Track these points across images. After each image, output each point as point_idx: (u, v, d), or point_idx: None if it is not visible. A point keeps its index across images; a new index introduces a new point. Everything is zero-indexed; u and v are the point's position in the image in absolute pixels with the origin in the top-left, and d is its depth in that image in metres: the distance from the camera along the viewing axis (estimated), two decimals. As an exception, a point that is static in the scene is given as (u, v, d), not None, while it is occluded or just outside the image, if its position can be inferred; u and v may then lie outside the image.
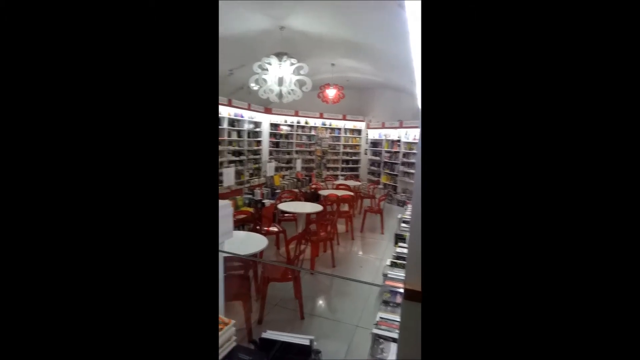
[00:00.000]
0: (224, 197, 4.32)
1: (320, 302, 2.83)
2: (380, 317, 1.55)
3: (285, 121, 8.44)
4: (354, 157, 9.20)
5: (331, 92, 6.50)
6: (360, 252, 4.17)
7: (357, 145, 9.19)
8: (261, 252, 2.46)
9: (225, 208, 1.30)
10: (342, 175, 8.59)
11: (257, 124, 7.83)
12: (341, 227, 4.52)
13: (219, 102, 6.35)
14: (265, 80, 4.50)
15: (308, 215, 3.90)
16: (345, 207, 4.87)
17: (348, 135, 9.13)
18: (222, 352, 1.14)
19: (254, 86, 4.62)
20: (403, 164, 7.13)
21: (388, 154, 7.77)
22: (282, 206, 3.95)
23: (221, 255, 1.30)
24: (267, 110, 7.99)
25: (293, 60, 4.41)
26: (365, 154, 9.00)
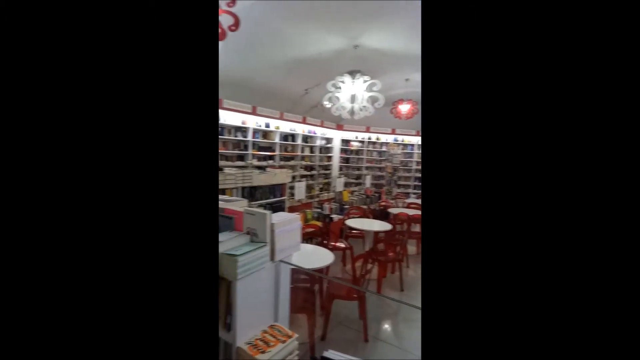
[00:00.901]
0: (295, 209, 4.49)
1: (386, 326, 2.68)
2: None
3: (357, 137, 8.49)
4: (427, 175, 8.71)
5: (404, 108, 6.34)
6: (432, 278, 3.86)
7: (432, 162, 8.69)
8: (327, 268, 2.46)
9: (295, 221, 1.33)
10: (414, 193, 8.18)
11: (328, 140, 8.04)
12: (412, 248, 4.27)
13: (295, 119, 6.73)
14: (338, 98, 4.62)
15: (376, 233, 3.79)
16: (416, 228, 4.60)
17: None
18: (285, 365, 1.15)
19: (327, 104, 4.78)
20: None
21: (466, 173, 7.14)
22: (350, 222, 3.92)
23: (288, 267, 1.33)
24: (339, 127, 8.16)
25: (366, 78, 4.44)
26: (440, 171, 8.45)
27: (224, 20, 2.86)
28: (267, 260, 1.18)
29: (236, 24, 2.83)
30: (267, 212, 1.21)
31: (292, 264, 1.34)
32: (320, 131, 7.68)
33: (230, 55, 4.36)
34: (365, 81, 4.45)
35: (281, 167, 6.06)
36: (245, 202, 1.61)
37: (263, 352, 1.07)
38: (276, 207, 3.84)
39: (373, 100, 4.55)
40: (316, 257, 2.48)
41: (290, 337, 1.18)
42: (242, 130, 5.75)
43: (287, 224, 1.27)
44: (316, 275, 2.40)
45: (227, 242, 1.12)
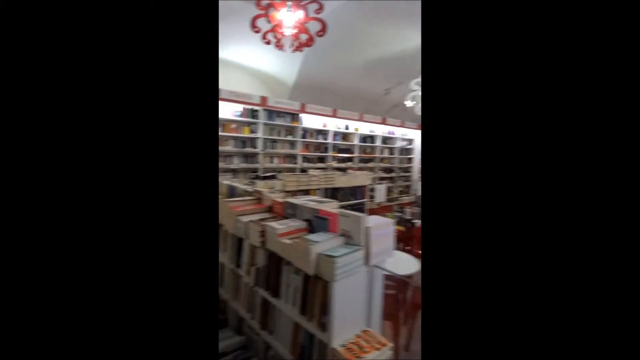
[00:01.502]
0: (374, 212, 4.41)
1: (479, 346, 2.42)
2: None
3: (440, 138, 7.95)
4: (524, 179, 7.67)
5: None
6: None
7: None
8: (411, 275, 2.33)
9: (389, 226, 1.29)
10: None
11: (409, 141, 7.72)
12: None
13: (374, 121, 6.63)
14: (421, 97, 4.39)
15: (465, 242, 3.47)
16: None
17: (518, 152, 7.72)
18: (378, 374, 1.11)
19: (409, 103, 4.59)
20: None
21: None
22: (435, 228, 3.66)
23: (381, 273, 1.30)
24: (420, 127, 7.76)
25: (455, 73, 4.12)
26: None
27: (312, 26, 2.97)
28: (362, 264, 1.16)
29: (323, 29, 2.91)
30: (362, 214, 1.20)
31: (385, 270, 1.29)
32: (400, 132, 7.42)
33: (317, 60, 4.53)
34: (453, 77, 4.13)
35: (360, 169, 6.04)
36: (335, 203, 1.63)
37: (358, 357, 1.05)
38: (357, 210, 3.83)
39: (462, 97, 4.19)
40: (400, 263, 2.38)
41: (384, 345, 1.14)
42: (323, 132, 5.91)
43: (381, 228, 1.24)
44: (403, 282, 2.30)
45: (323, 243, 1.14)
